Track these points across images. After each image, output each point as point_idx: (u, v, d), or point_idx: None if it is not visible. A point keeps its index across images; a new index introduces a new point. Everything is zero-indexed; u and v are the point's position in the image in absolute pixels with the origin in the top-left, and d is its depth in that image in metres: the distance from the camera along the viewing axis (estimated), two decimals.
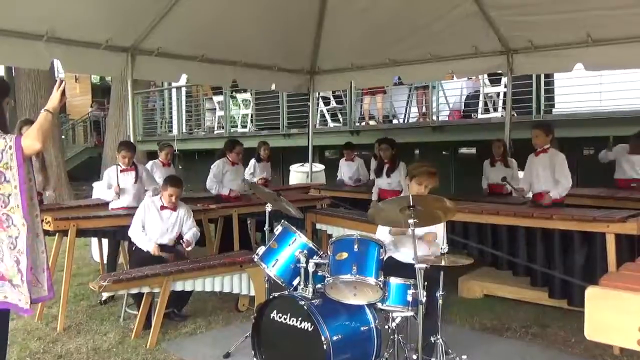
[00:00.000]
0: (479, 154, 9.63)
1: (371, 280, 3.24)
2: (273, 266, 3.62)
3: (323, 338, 3.08)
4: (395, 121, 11.20)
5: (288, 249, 3.60)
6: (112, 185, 5.43)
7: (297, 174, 10.36)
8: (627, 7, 5.25)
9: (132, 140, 6.25)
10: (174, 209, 4.82)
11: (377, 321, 3.37)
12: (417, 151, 10.88)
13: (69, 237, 4.76)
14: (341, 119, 11.80)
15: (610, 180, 6.79)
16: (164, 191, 4.81)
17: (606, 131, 8.19)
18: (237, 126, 13.39)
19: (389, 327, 3.34)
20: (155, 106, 15.90)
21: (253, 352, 3.48)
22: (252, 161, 7.82)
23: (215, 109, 14.00)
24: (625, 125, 7.82)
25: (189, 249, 4.82)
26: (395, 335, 3.34)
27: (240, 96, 13.23)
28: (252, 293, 4.71)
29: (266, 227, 4.25)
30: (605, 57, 5.88)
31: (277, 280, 3.62)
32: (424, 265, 3.10)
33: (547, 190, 5.04)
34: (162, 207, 4.78)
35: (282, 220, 3.84)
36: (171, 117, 14.92)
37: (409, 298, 3.23)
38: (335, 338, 3.13)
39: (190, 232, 4.86)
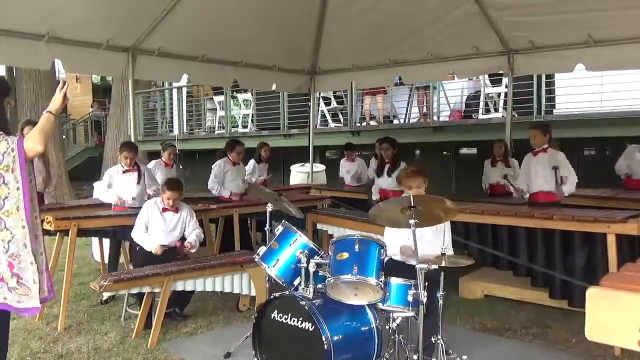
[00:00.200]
0: (480, 154, 9.62)
1: (372, 280, 3.24)
2: (274, 266, 3.62)
3: (324, 338, 3.08)
4: (396, 121, 11.18)
5: (289, 249, 3.59)
6: (111, 185, 5.44)
7: (298, 174, 10.34)
8: (628, 7, 5.25)
9: (132, 140, 6.26)
10: (176, 210, 4.81)
11: (377, 321, 3.36)
12: (417, 151, 10.86)
13: (70, 236, 4.77)
14: (342, 119, 11.79)
15: (611, 181, 6.77)
16: (162, 194, 4.80)
17: (606, 132, 8.20)
18: (237, 126, 13.39)
19: (389, 328, 3.34)
20: (156, 106, 15.89)
21: (254, 352, 3.48)
22: (252, 162, 7.82)
23: (216, 109, 13.99)
24: (626, 126, 7.83)
25: (193, 251, 4.81)
26: (396, 336, 3.33)
27: (241, 96, 13.23)
28: (253, 293, 4.71)
29: (267, 227, 4.26)
30: (606, 57, 5.89)
31: (278, 280, 3.62)
32: (425, 266, 3.10)
33: (547, 190, 5.05)
34: (164, 209, 4.78)
35: (283, 220, 3.84)
36: (172, 117, 14.90)
37: (410, 298, 3.23)
38: (336, 338, 3.13)
39: (194, 234, 4.83)
